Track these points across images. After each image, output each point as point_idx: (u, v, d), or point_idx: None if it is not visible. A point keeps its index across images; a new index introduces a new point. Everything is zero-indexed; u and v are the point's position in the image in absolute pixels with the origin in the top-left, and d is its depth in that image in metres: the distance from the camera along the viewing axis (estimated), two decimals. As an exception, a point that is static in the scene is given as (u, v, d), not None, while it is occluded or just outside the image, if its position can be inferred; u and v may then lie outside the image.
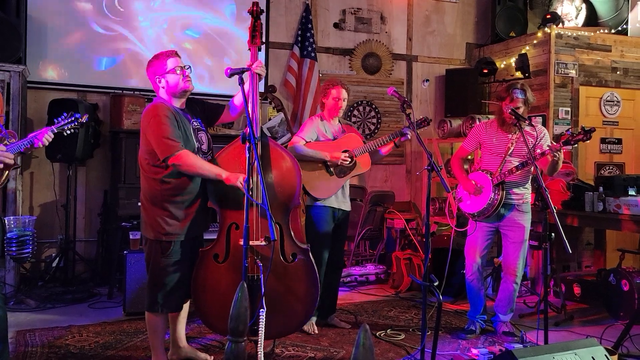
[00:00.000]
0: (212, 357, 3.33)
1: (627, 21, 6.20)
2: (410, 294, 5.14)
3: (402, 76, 6.66)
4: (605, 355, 2.69)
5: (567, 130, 4.57)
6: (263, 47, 5.73)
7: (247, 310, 2.30)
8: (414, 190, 6.66)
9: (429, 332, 3.62)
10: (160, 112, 2.93)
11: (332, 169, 3.91)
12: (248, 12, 3.19)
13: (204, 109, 3.27)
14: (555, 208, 3.29)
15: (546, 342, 3.32)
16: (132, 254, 4.18)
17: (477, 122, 5.30)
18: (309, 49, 5.99)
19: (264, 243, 2.96)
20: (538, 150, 3.72)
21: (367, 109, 6.45)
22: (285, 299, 3.06)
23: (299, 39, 6.04)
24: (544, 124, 5.69)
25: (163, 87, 3.04)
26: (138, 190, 3.16)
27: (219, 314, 2.97)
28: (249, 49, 3.18)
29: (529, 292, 5.04)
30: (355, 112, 6.40)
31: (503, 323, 4.03)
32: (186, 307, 3.31)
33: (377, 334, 3.93)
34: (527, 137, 3.75)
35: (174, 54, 3.07)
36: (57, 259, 5.01)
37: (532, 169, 3.67)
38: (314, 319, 3.96)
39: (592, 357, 2.64)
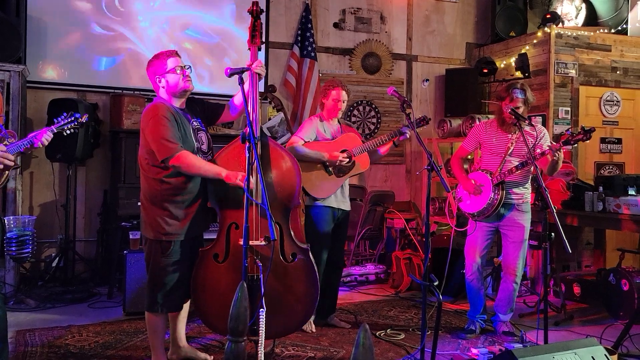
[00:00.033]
0: (212, 357, 3.33)
1: (627, 21, 6.20)
2: (410, 293, 5.14)
3: (402, 76, 6.65)
4: (605, 354, 2.69)
5: (567, 130, 4.58)
6: (263, 46, 5.73)
7: (246, 310, 2.29)
8: (414, 190, 6.66)
9: (429, 332, 3.62)
10: (159, 113, 2.93)
11: (330, 169, 3.90)
12: (248, 11, 3.19)
13: (204, 109, 3.27)
14: (555, 208, 3.29)
15: (546, 341, 3.32)
16: (132, 254, 4.18)
17: (477, 122, 5.30)
18: (309, 48, 5.99)
19: (263, 243, 2.96)
20: (538, 150, 3.73)
21: (367, 108, 6.45)
22: (285, 299, 3.06)
23: (299, 38, 6.04)
24: (544, 123, 5.69)
25: (163, 87, 3.04)
26: (138, 190, 3.16)
27: (218, 314, 2.97)
28: (249, 49, 3.18)
29: (528, 291, 5.04)
30: (355, 112, 6.40)
31: (503, 323, 4.03)
32: (186, 306, 3.31)
33: (377, 333, 3.93)
34: (527, 136, 3.76)
35: (174, 53, 3.07)
36: (57, 258, 5.01)
37: (532, 168, 3.67)
38: (312, 318, 3.95)
39: (592, 357, 2.64)
